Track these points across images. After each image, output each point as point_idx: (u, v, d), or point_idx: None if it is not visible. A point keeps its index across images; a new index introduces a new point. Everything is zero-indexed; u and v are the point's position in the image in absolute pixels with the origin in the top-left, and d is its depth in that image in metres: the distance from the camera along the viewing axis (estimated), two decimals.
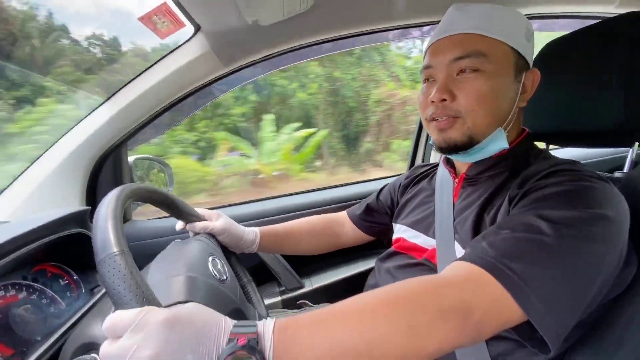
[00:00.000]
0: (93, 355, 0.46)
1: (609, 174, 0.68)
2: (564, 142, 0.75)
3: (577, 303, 0.43)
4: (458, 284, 0.42)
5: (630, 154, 0.67)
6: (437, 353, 0.38)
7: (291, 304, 1.03)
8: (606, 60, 0.62)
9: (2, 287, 0.57)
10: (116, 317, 0.34)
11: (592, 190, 0.48)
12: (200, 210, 0.75)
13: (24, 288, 0.61)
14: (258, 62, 0.89)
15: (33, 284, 0.62)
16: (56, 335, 0.55)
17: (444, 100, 0.58)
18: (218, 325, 0.35)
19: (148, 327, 0.32)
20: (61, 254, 0.70)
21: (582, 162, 0.58)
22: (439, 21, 0.86)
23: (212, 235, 0.73)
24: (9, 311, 0.55)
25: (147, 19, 0.65)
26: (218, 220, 0.74)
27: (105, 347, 0.33)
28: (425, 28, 1.02)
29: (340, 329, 0.36)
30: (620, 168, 0.70)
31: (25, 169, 0.85)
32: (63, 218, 0.66)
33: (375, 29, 0.92)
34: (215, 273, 0.58)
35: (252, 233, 0.80)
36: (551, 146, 0.79)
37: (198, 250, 0.62)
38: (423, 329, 0.37)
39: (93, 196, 0.94)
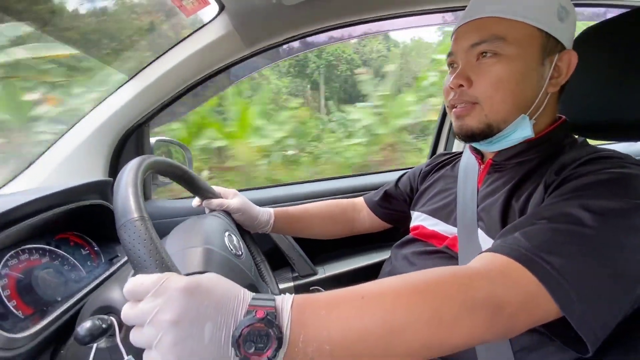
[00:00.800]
0: (111, 317, 0.47)
1: None
2: (603, 135, 0.70)
3: (620, 301, 0.40)
4: (489, 277, 0.39)
5: None
6: (461, 347, 0.37)
7: (304, 291, 1.02)
8: None
9: (27, 251, 0.59)
10: (137, 281, 0.34)
11: (635, 177, 0.45)
12: (217, 188, 0.75)
13: (47, 253, 0.62)
14: (281, 44, 0.89)
15: (56, 250, 0.64)
16: (76, 298, 0.57)
17: (462, 86, 0.57)
18: (237, 297, 0.34)
19: (169, 292, 0.32)
20: (83, 224, 0.72)
21: None
22: (463, 6, 0.84)
23: (227, 213, 0.74)
24: (32, 273, 0.57)
25: None
26: (234, 199, 0.75)
27: (126, 310, 0.34)
28: None
29: (358, 312, 0.35)
30: None
31: (52, 144, 0.88)
32: (84, 186, 0.67)
33: (400, 13, 0.90)
34: (232, 248, 0.59)
35: (266, 213, 0.81)
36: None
37: (215, 224, 0.63)
38: (448, 320, 0.35)
39: (115, 171, 0.96)
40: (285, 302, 0.35)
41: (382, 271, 0.79)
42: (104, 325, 0.42)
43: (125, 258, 0.71)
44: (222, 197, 0.75)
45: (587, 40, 0.66)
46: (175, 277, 0.34)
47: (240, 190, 1.15)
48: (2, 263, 0.54)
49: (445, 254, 0.63)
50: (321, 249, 1.11)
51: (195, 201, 0.75)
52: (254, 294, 0.36)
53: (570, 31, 0.58)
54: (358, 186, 1.18)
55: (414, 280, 0.39)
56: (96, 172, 0.91)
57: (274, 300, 0.35)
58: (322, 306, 0.35)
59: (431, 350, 0.36)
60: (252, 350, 0.31)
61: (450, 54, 0.62)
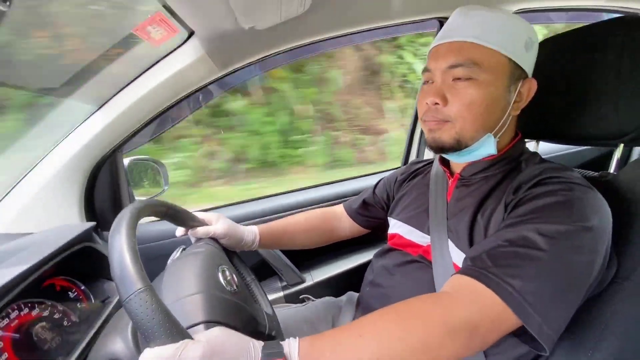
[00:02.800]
0: None
1: (597, 174, 0.71)
2: (553, 141, 0.78)
3: (569, 310, 0.48)
4: (464, 303, 0.46)
5: (615, 155, 0.70)
6: None
7: (294, 299, 1.07)
8: (598, 63, 0.63)
9: (16, 307, 0.58)
10: (155, 356, 0.36)
11: (581, 200, 0.52)
12: (200, 215, 0.75)
13: (36, 305, 0.61)
14: (254, 64, 0.87)
15: (44, 300, 0.64)
16: (78, 351, 0.57)
17: (437, 104, 0.61)
18: (249, 352, 0.38)
19: None
20: (67, 266, 0.71)
21: (564, 152, 0.61)
22: (435, 18, 0.85)
23: (213, 239, 0.74)
24: (26, 330, 0.57)
25: (141, 30, 0.63)
26: (218, 223, 0.74)
27: None
28: None
29: (358, 350, 0.41)
30: (599, 160, 0.74)
31: (20, 179, 0.84)
32: (73, 239, 0.66)
33: (370, 28, 0.91)
34: (226, 284, 0.60)
35: (251, 233, 0.81)
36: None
37: (206, 262, 0.63)
38: (434, 346, 0.42)
39: (91, 202, 0.93)
40: (292, 349, 0.39)
41: (365, 280, 0.85)
42: None
43: (117, 298, 0.72)
44: (206, 224, 0.74)
45: (540, 55, 0.71)
46: (190, 345, 0.36)
47: (222, 207, 1.16)
48: None
49: (421, 263, 0.69)
50: (306, 256, 1.15)
51: (179, 231, 0.74)
52: (262, 344, 0.40)
53: (532, 60, 0.64)
54: (339, 193, 1.22)
55: (403, 314, 0.45)
56: (71, 203, 0.88)
57: (282, 348, 0.39)
58: (326, 349, 0.41)
59: None
60: None
61: (427, 70, 0.65)
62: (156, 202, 0.61)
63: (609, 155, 0.73)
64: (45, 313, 0.62)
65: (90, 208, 0.93)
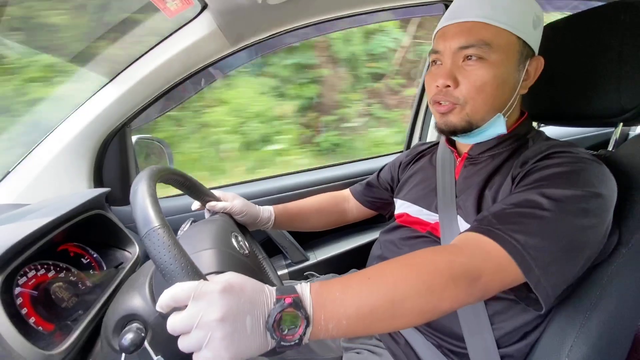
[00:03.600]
0: (136, 324, 0.50)
1: (596, 152, 0.74)
2: (557, 122, 0.80)
3: (568, 269, 0.50)
4: (468, 252, 0.48)
5: (614, 134, 0.73)
6: (448, 310, 0.45)
7: (298, 276, 1.09)
8: (600, 46, 0.66)
9: (33, 268, 0.59)
10: (177, 289, 0.37)
11: (587, 171, 0.53)
12: (216, 192, 0.77)
13: (52, 267, 0.63)
14: (265, 40, 0.89)
15: (59, 263, 0.65)
16: (96, 308, 0.59)
17: (448, 86, 0.62)
18: (264, 291, 0.40)
19: (209, 295, 0.36)
20: (80, 233, 0.72)
21: (568, 138, 0.64)
22: (442, 1, 0.87)
23: (228, 214, 0.76)
24: (44, 289, 0.58)
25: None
26: (235, 201, 0.77)
27: (173, 319, 0.37)
28: None
29: (366, 290, 0.43)
30: (606, 143, 0.77)
31: (32, 150, 0.84)
32: (85, 203, 0.67)
33: (380, 8, 0.92)
34: (239, 247, 0.62)
35: (267, 211, 0.84)
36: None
37: (221, 227, 0.65)
38: (438, 290, 0.43)
39: (100, 176, 0.94)
40: (304, 289, 0.41)
41: (371, 255, 0.87)
42: (142, 334, 0.45)
43: (131, 264, 0.73)
44: (222, 200, 0.76)
45: (547, 37, 0.73)
46: (209, 282, 0.38)
47: (234, 184, 1.18)
48: (14, 285, 0.54)
49: (429, 238, 0.71)
50: (310, 235, 1.17)
51: (196, 205, 0.76)
52: (274, 287, 0.41)
53: (539, 38, 0.65)
54: (346, 174, 1.24)
55: (409, 260, 0.47)
56: (80, 176, 0.89)
57: (294, 289, 0.41)
58: (336, 289, 0.42)
59: (426, 315, 0.44)
60: (287, 331, 0.38)
61: (435, 52, 0.65)
62: (176, 171, 0.63)
63: (605, 144, 0.76)
64: (62, 275, 0.63)
65: (100, 182, 0.93)
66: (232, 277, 0.39)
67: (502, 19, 0.59)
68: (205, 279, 0.40)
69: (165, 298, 0.37)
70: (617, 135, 0.73)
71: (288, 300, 0.38)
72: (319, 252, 1.16)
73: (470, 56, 0.60)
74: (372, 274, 0.44)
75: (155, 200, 0.45)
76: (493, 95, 0.61)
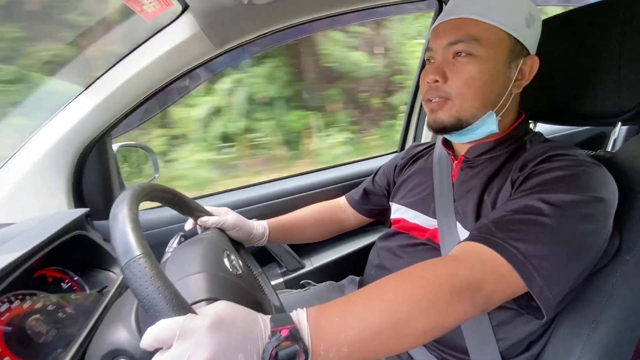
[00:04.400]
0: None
1: (595, 153, 0.73)
2: (554, 122, 0.79)
3: (571, 276, 0.49)
4: (469, 263, 0.46)
5: (613, 134, 0.72)
6: (454, 326, 0.43)
7: (294, 284, 1.06)
8: (600, 42, 0.64)
9: (6, 300, 0.54)
10: (161, 328, 0.33)
11: (588, 174, 0.52)
12: (208, 208, 0.74)
13: (27, 297, 0.58)
14: (251, 42, 0.84)
15: (36, 291, 0.60)
16: (78, 343, 0.54)
17: (437, 81, 0.61)
18: (258, 322, 0.36)
19: (197, 333, 0.33)
20: (59, 256, 0.67)
21: (560, 134, 0.62)
22: None
23: (221, 230, 0.72)
24: (19, 323, 0.53)
25: (133, 1, 0.59)
26: (227, 216, 0.74)
27: (157, 358, 0.33)
28: None
29: (368, 312, 0.40)
30: (596, 140, 0.76)
31: (2, 165, 0.78)
32: (64, 227, 0.62)
33: (371, 5, 0.89)
34: (231, 268, 0.59)
35: (261, 226, 0.81)
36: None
37: (212, 246, 0.62)
38: (442, 306, 0.41)
39: (79, 189, 0.88)
40: (301, 317, 0.38)
41: (369, 264, 0.84)
42: None
43: (116, 287, 0.68)
44: (213, 215, 0.73)
45: (544, 34, 0.71)
46: (197, 316, 0.34)
47: (225, 191, 1.13)
48: None
49: (428, 245, 0.69)
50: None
51: (189, 224, 0.72)
52: (271, 315, 0.38)
53: (535, 37, 0.63)
54: (339, 177, 1.21)
55: (409, 276, 0.44)
56: (58, 191, 0.83)
57: (290, 317, 0.38)
58: (335, 314, 0.39)
59: (431, 333, 0.42)
60: None
61: (429, 50, 0.65)
62: (162, 187, 0.60)
63: (600, 139, 0.74)
64: (38, 305, 0.58)
65: (79, 196, 0.88)
66: (221, 309, 0.36)
67: (492, 15, 0.58)
68: (193, 312, 0.36)
69: (149, 337, 0.33)
70: (616, 135, 0.72)
71: (284, 332, 0.35)
72: (314, 258, 1.13)
73: (460, 52, 0.59)
74: (373, 293, 0.42)
75: (136, 225, 0.41)
76: (482, 91, 0.60)
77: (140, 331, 0.48)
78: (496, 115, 0.62)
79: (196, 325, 0.33)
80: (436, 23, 0.64)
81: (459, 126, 0.62)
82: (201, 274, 0.51)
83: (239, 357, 0.33)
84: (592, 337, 0.59)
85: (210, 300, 0.45)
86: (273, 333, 0.35)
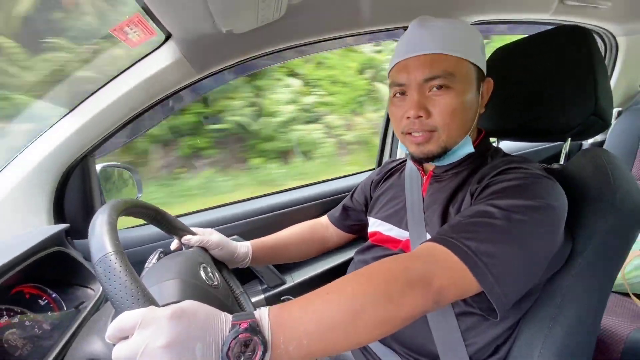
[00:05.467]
0: None
1: (548, 165, 0.79)
2: (510, 138, 0.85)
3: (522, 276, 0.52)
4: (422, 258, 0.49)
5: (564, 148, 0.78)
6: (409, 318, 0.45)
7: (275, 301, 1.06)
8: (544, 68, 0.71)
9: None
10: (123, 318, 0.35)
11: (538, 184, 0.57)
12: (193, 229, 0.76)
13: (4, 312, 0.59)
14: (231, 67, 0.90)
15: (13, 307, 0.61)
16: (52, 355, 0.55)
17: (420, 116, 0.63)
18: (219, 317, 0.38)
19: (157, 321, 0.34)
20: (37, 273, 0.68)
21: (522, 151, 0.68)
22: (402, 27, 0.91)
23: (204, 249, 0.74)
24: None
25: (119, 30, 0.64)
26: (212, 235, 0.76)
27: (117, 349, 0.35)
28: None
29: (326, 305, 0.41)
30: (556, 157, 0.82)
31: None
32: (42, 241, 0.64)
33: (343, 35, 0.96)
34: (207, 279, 0.60)
35: (244, 247, 0.82)
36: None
37: (189, 258, 0.64)
38: (396, 297, 0.43)
39: (60, 208, 0.90)
40: (263, 313, 0.40)
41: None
42: None
43: (93, 303, 0.69)
44: (195, 234, 0.75)
45: (498, 61, 0.79)
46: (158, 308, 0.36)
47: (206, 209, 1.15)
48: None
49: None
50: None
51: (174, 244, 0.74)
52: (235, 313, 0.40)
53: (485, 61, 0.70)
54: (320, 193, 1.24)
55: (367, 271, 0.47)
56: (39, 210, 0.84)
57: (252, 314, 0.39)
58: (295, 307, 0.41)
59: (386, 325, 0.43)
60: (242, 359, 0.35)
61: (397, 84, 0.66)
62: (144, 203, 0.61)
63: (559, 156, 0.81)
64: (15, 320, 0.59)
65: (61, 215, 0.89)
66: (185, 304, 0.38)
67: (460, 49, 0.63)
68: (157, 305, 0.38)
69: (112, 328, 0.35)
70: (567, 149, 0.78)
71: (244, 325, 0.37)
72: (295, 274, 1.14)
73: (436, 86, 0.62)
74: (331, 289, 0.44)
75: (113, 228, 0.44)
76: (463, 120, 0.65)
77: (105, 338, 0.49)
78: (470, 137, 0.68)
79: (157, 314, 0.35)
80: (402, 57, 0.65)
81: (443, 153, 0.66)
82: (174, 280, 0.53)
83: (197, 347, 0.34)
84: (549, 337, 0.62)
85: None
86: (233, 326, 0.37)
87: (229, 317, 0.38)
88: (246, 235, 0.97)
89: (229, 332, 0.37)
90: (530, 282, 0.54)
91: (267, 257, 0.88)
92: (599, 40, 1.45)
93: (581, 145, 1.53)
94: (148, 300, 0.37)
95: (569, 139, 0.75)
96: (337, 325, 0.40)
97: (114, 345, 0.40)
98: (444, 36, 0.63)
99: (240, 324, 0.37)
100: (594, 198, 0.63)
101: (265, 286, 1.09)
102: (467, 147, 0.67)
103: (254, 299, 1.05)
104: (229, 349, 0.35)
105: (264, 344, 0.37)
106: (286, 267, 1.16)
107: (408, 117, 0.65)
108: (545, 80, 0.72)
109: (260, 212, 1.14)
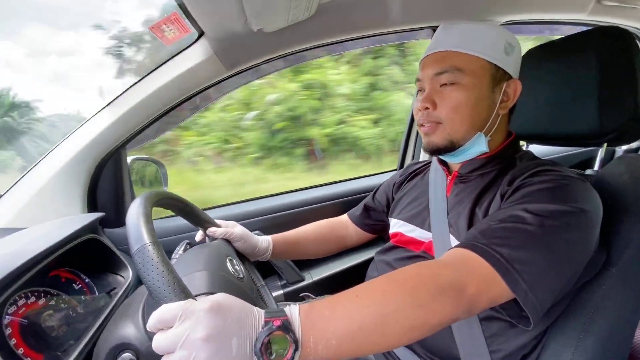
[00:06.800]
0: (128, 354, 0.49)
1: (581, 171, 0.76)
2: (543, 142, 0.83)
3: (554, 283, 0.50)
4: (453, 265, 0.49)
5: (599, 154, 0.75)
6: (438, 325, 0.44)
7: (293, 297, 1.07)
8: (580, 70, 0.69)
9: (23, 295, 0.58)
10: (164, 309, 0.36)
11: (571, 187, 0.55)
12: (217, 221, 0.78)
13: (42, 295, 0.62)
14: (260, 65, 0.91)
15: (50, 289, 0.64)
16: (87, 337, 0.57)
17: (427, 108, 0.67)
18: (252, 312, 0.39)
19: (196, 314, 0.35)
20: (72, 258, 0.71)
21: (553, 156, 0.66)
22: (429, 27, 0.91)
23: (228, 241, 0.76)
24: (34, 318, 0.57)
25: (156, 28, 0.66)
26: (235, 228, 0.78)
27: (158, 338, 0.36)
28: None
29: (355, 308, 0.42)
30: (587, 163, 0.79)
31: (25, 174, 0.84)
32: (79, 229, 0.67)
33: (370, 34, 0.96)
34: (233, 271, 0.62)
35: (265, 241, 0.84)
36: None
37: (216, 250, 0.66)
38: (426, 303, 0.43)
39: (94, 198, 0.94)
40: (294, 311, 0.40)
41: (367, 276, 0.87)
42: None
43: (123, 289, 0.72)
44: (220, 226, 0.77)
45: (529, 62, 0.77)
46: (196, 301, 0.38)
47: (227, 205, 1.18)
48: (3, 313, 0.53)
49: (424, 257, 0.72)
50: None
51: (199, 235, 0.77)
52: (265, 309, 0.41)
53: (515, 63, 0.69)
54: (341, 192, 1.24)
55: (396, 276, 0.47)
56: (74, 199, 0.89)
57: (284, 311, 0.40)
58: (325, 308, 0.42)
59: (416, 332, 0.43)
60: (274, 356, 0.36)
61: (418, 80, 0.72)
62: (174, 195, 0.64)
63: (590, 162, 0.78)
64: (52, 302, 0.62)
65: (94, 205, 0.93)
66: (220, 297, 0.39)
67: (471, 46, 0.65)
68: (193, 298, 0.39)
69: (153, 319, 0.36)
70: (602, 155, 0.75)
71: (276, 322, 0.37)
72: (314, 272, 1.15)
73: (446, 82, 0.65)
74: (361, 291, 0.44)
75: (149, 219, 0.46)
76: (469, 115, 0.65)
77: (147, 328, 0.51)
78: (485, 136, 0.67)
79: (196, 308, 0.36)
80: (423, 56, 0.72)
81: (451, 148, 0.67)
82: (203, 272, 0.54)
83: (232, 341, 0.36)
84: (579, 348, 0.60)
85: (210, 294, 0.48)
86: (266, 323, 0.38)
87: (262, 312, 0.39)
88: (266, 230, 0.98)
89: (263, 328, 0.38)
90: (564, 289, 0.53)
91: (287, 252, 0.90)
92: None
93: (614, 151, 1.46)
94: (185, 293, 0.39)
95: (605, 144, 0.72)
96: (366, 328, 0.41)
97: (146, 329, 0.42)
98: (459, 35, 0.66)
99: (273, 321, 0.38)
100: (631, 206, 0.60)
101: (285, 282, 1.10)
102: (479, 146, 0.67)
103: (273, 294, 1.07)
104: (262, 345, 0.36)
105: (295, 342, 0.38)
106: (305, 264, 1.17)
107: (420, 109, 0.68)
108: (581, 82, 0.69)
109: (281, 209, 1.15)
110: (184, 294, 0.39)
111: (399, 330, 0.42)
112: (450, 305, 0.44)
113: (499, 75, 0.66)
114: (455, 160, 0.73)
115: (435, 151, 0.69)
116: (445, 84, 0.65)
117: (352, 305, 0.42)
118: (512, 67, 0.68)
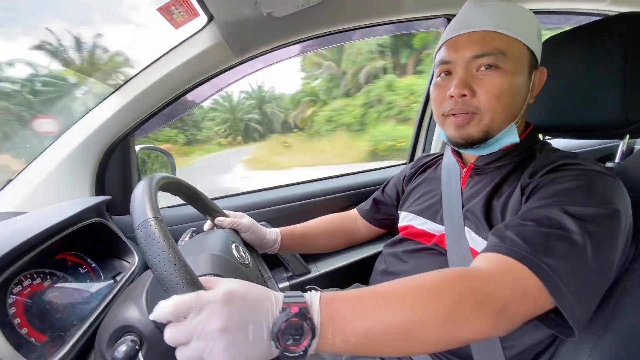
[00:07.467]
0: (131, 336, 0.48)
1: (603, 164, 0.73)
2: (561, 134, 0.80)
3: (598, 292, 0.47)
4: (496, 279, 0.44)
5: (621, 145, 0.72)
6: (469, 341, 0.41)
7: (300, 289, 1.05)
8: (603, 58, 0.66)
9: (29, 276, 0.58)
10: (176, 301, 0.35)
11: (604, 185, 0.52)
12: (225, 211, 0.77)
13: (48, 276, 0.62)
14: (269, 52, 0.90)
15: (56, 272, 0.64)
16: (91, 319, 0.57)
17: (464, 95, 0.60)
18: (269, 298, 0.38)
19: (210, 305, 0.35)
20: (78, 242, 0.71)
21: (574, 151, 0.63)
22: (443, 15, 0.88)
23: (235, 231, 0.75)
24: (39, 298, 0.57)
25: (165, 10, 0.66)
26: (243, 219, 0.77)
27: (171, 330, 0.35)
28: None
29: (379, 311, 0.39)
30: (609, 157, 0.76)
31: (34, 159, 0.84)
32: (84, 210, 0.66)
33: (382, 22, 0.94)
34: (238, 257, 0.61)
35: (273, 233, 0.83)
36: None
37: (222, 237, 0.65)
38: (460, 319, 0.39)
39: (102, 185, 0.94)
40: (314, 298, 0.38)
41: (375, 269, 0.85)
42: (137, 347, 0.44)
43: (129, 275, 0.72)
44: (228, 216, 0.76)
45: (549, 50, 0.74)
46: (208, 291, 0.36)
47: (234, 195, 1.17)
48: (8, 293, 0.53)
49: (435, 250, 0.69)
50: None
51: (207, 224, 0.76)
52: (284, 292, 0.39)
53: (540, 49, 0.65)
54: (351, 185, 1.23)
55: (429, 282, 0.42)
56: (82, 184, 0.89)
57: (303, 296, 0.38)
58: (347, 303, 0.39)
59: (442, 345, 0.41)
60: (290, 342, 0.35)
61: (445, 62, 0.63)
62: (183, 182, 0.63)
63: (609, 156, 0.75)
64: (58, 284, 0.62)
65: (101, 191, 0.93)
66: (232, 286, 0.37)
67: (514, 28, 0.59)
68: (202, 287, 0.38)
69: (165, 312, 0.35)
70: (624, 147, 0.72)
71: (294, 309, 0.36)
72: (321, 264, 1.14)
73: (485, 65, 0.59)
74: (388, 293, 0.41)
75: (153, 198, 0.45)
76: (510, 104, 0.60)
77: (151, 310, 0.50)
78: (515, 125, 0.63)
79: (210, 298, 0.35)
80: (451, 35, 0.63)
81: (485, 139, 0.62)
82: (208, 254, 0.53)
83: (249, 328, 0.35)
84: (598, 345, 0.57)
85: (215, 275, 0.47)
86: (284, 309, 0.37)
87: (279, 298, 0.38)
88: (274, 222, 0.97)
89: (280, 313, 0.37)
90: (602, 293, 0.49)
91: (295, 246, 0.88)
92: None
93: (633, 148, 1.41)
94: (196, 284, 0.37)
95: (627, 135, 0.69)
96: (388, 334, 0.38)
97: (150, 318, 0.40)
98: (498, 14, 0.60)
99: (291, 307, 0.37)
100: None
101: (291, 274, 1.09)
102: (511, 137, 0.63)
103: (279, 286, 1.06)
104: (279, 330, 0.35)
105: (313, 330, 0.36)
106: (312, 257, 1.15)
107: (452, 97, 0.61)
108: (603, 70, 0.66)
109: (288, 200, 1.14)
110: (196, 285, 0.37)
111: (425, 341, 0.40)
112: (487, 324, 0.41)
113: (533, 62, 0.62)
114: (481, 153, 0.67)
115: (469, 144, 0.63)
116: (483, 69, 0.59)
117: (377, 307, 0.39)
118: (539, 53, 0.64)
